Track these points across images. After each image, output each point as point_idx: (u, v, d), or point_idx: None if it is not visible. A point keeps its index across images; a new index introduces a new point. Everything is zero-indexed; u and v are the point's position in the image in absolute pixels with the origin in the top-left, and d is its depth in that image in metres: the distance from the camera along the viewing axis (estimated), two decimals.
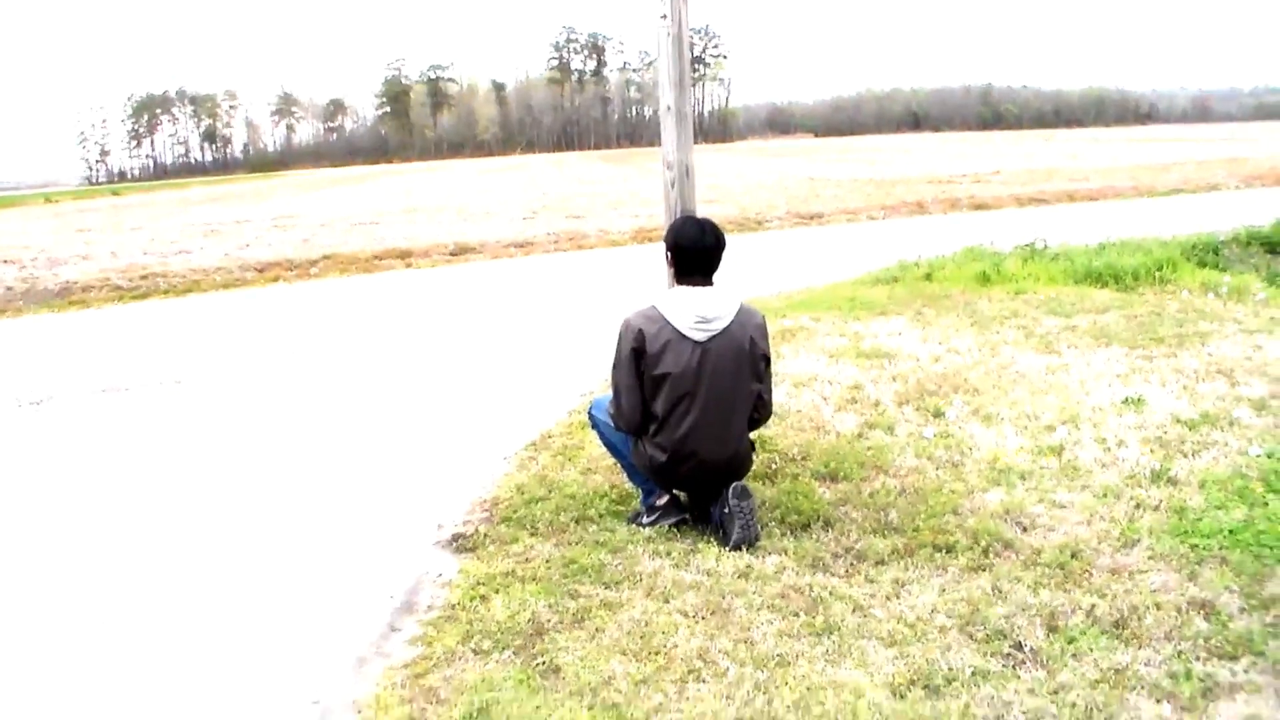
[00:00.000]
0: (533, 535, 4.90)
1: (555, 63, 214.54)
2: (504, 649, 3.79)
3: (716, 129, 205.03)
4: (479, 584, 4.37)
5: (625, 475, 5.26)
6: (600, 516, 5.09)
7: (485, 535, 4.96)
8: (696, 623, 3.90)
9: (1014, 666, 3.50)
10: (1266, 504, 4.68)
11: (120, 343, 12.02)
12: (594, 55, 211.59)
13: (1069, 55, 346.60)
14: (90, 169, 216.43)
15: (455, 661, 3.74)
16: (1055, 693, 3.31)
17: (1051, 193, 27.18)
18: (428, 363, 9.73)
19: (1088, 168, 38.04)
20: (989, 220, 19.30)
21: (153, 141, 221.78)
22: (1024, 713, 3.21)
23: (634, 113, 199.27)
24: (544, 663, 3.67)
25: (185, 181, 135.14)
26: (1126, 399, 6.57)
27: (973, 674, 3.43)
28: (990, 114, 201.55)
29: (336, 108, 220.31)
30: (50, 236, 30.66)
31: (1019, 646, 3.61)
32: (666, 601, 4.09)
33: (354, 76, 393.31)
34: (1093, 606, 3.86)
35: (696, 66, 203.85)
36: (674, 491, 4.97)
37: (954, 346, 8.39)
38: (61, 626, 4.34)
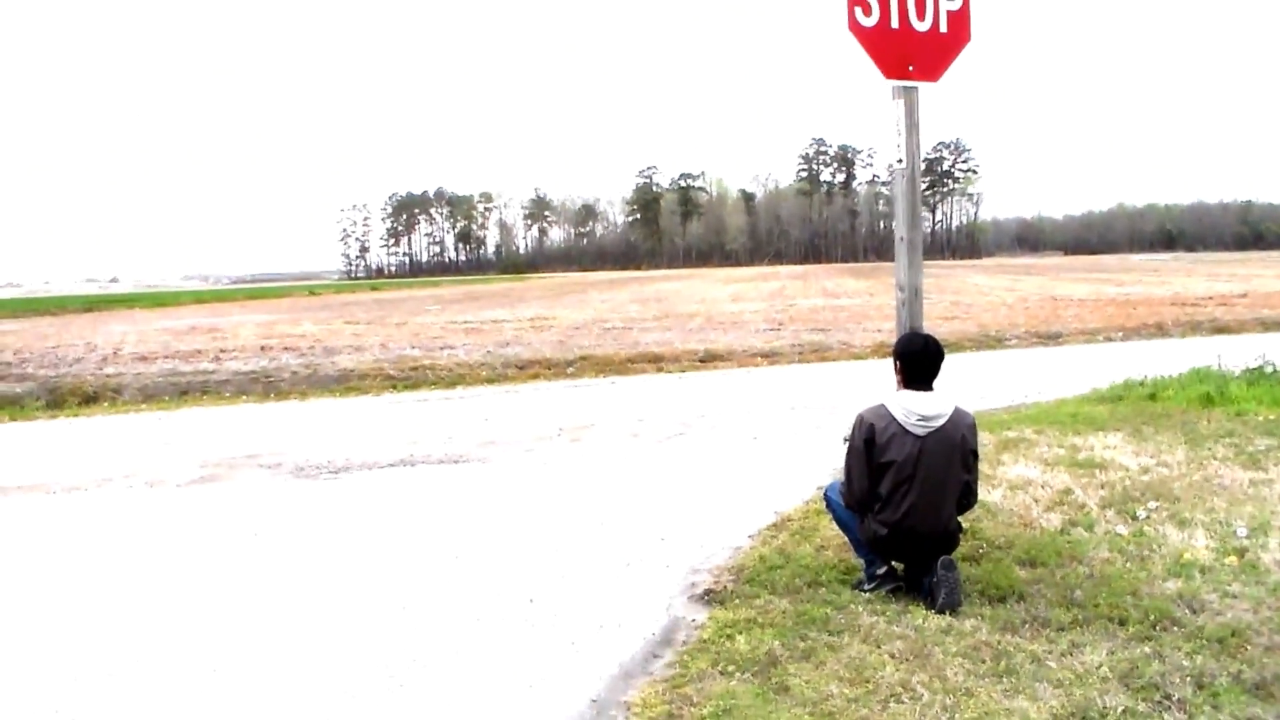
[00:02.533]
0: (771, 594, 5.94)
1: (804, 174, 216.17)
2: (744, 672, 4.82)
3: (964, 245, 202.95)
4: (726, 627, 5.43)
5: (852, 549, 6.24)
6: (829, 582, 6.09)
7: (732, 592, 6.04)
8: (902, 663, 4.84)
9: (1159, 710, 4.31)
10: None
11: (396, 425, 13.48)
12: (843, 168, 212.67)
13: None
14: (350, 264, 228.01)
15: (705, 679, 4.79)
16: None
17: None
18: (681, 452, 10.84)
19: None
20: (1227, 343, 19.41)
21: (409, 240, 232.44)
22: None
23: (881, 226, 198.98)
24: (777, 683, 4.68)
25: (438, 280, 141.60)
26: None
27: (1123, 712, 4.28)
28: (1249, 233, 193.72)
29: (588, 213, 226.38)
30: (320, 328, 33.18)
31: (1168, 696, 4.42)
32: (879, 646, 5.05)
33: (605, 181, 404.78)
34: (1240, 672, 4.62)
35: (945, 181, 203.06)
36: (892, 563, 5.92)
37: (1164, 460, 9.02)
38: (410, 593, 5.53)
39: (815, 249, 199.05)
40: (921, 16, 6.41)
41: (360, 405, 16.16)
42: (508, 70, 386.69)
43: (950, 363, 12.73)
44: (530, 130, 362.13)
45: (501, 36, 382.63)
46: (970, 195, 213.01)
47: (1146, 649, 4.92)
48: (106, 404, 17.21)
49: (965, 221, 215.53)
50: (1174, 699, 4.39)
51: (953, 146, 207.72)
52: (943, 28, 6.49)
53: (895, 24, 6.31)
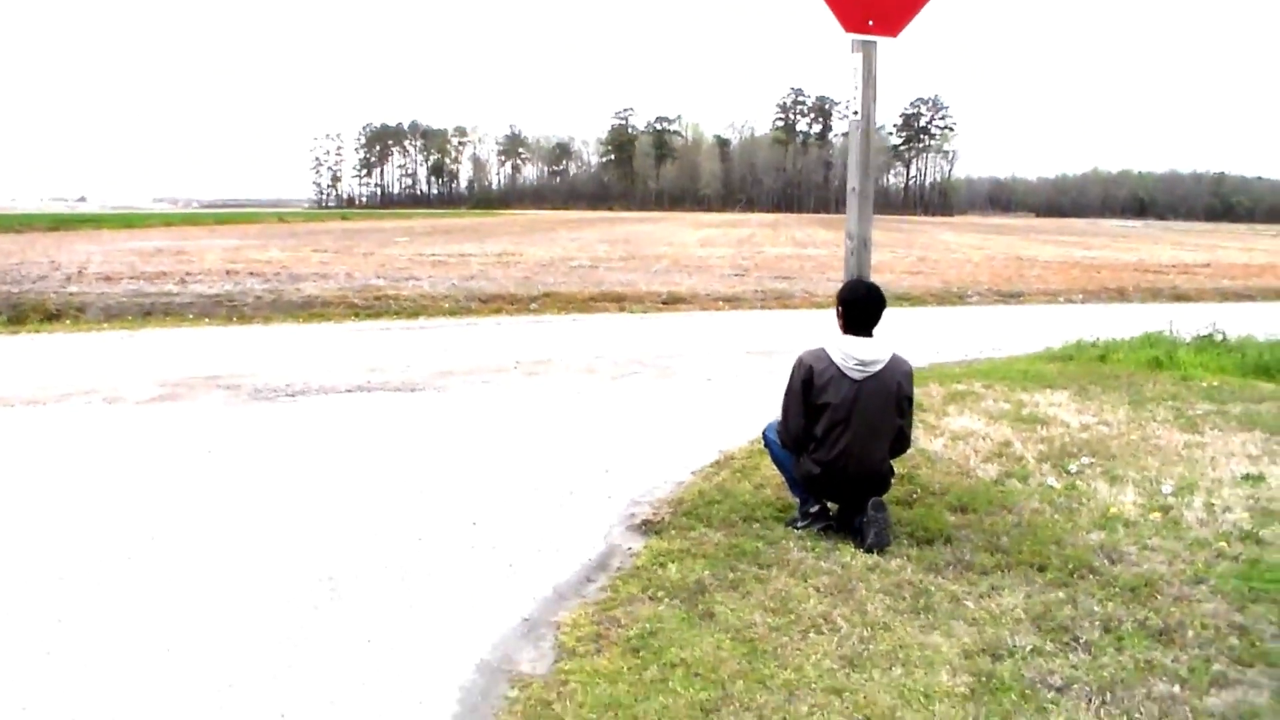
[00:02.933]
0: (707, 526, 6.11)
1: (781, 123, 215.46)
2: (673, 598, 4.99)
3: (937, 201, 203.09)
4: (659, 555, 5.60)
5: (787, 487, 6.39)
6: (764, 519, 6.26)
7: (669, 523, 6.21)
8: (825, 596, 5.02)
9: (1065, 650, 4.49)
10: None
11: (356, 353, 13.55)
12: (820, 119, 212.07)
13: None
14: (321, 193, 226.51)
15: (634, 603, 4.96)
16: (1091, 669, 4.29)
17: (1259, 289, 27.22)
18: (634, 389, 10.98)
19: None
20: (1185, 311, 19.65)
21: (382, 171, 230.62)
22: (1061, 678, 4.21)
23: None
24: (703, 610, 4.84)
25: (410, 212, 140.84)
26: (1247, 475, 7.35)
27: (1031, 650, 4.46)
28: (1220, 205, 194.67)
29: (562, 152, 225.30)
30: (287, 254, 33.08)
31: (1076, 639, 4.60)
32: (805, 580, 5.22)
33: (581, 121, 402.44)
34: (1146, 618, 4.81)
35: (921, 137, 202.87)
36: (825, 502, 6.08)
37: (1105, 419, 9.22)
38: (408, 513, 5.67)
39: (788, 198, 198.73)
40: None
41: (322, 332, 16.21)
42: (488, 2, 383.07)
43: (911, 317, 12.86)
44: (507, 66, 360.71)
45: None
46: (945, 152, 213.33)
47: (1061, 594, 5.10)
48: (69, 322, 17.16)
49: (939, 178, 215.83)
50: (1081, 641, 4.57)
51: (930, 103, 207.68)
52: None
53: None
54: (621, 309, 20.21)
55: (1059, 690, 4.12)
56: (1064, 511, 6.47)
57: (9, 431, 8.85)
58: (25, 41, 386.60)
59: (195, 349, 13.94)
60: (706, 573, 5.30)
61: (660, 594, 5.05)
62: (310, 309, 19.07)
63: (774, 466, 6.67)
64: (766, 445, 6.48)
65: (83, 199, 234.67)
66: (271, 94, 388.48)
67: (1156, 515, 6.42)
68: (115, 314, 17.99)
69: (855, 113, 6.65)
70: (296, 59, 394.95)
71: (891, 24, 6.60)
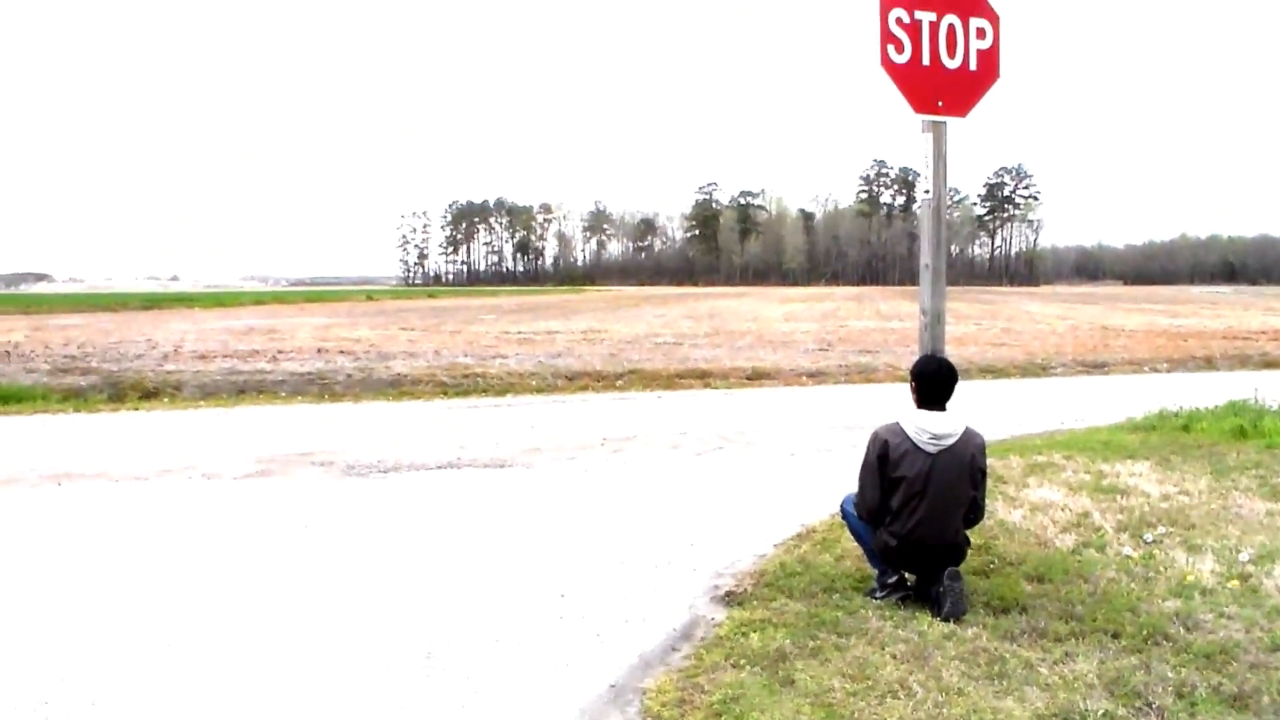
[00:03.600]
0: (788, 597, 6.30)
1: (864, 195, 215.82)
2: (754, 665, 5.19)
3: (1022, 271, 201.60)
4: (742, 625, 5.81)
5: (866, 559, 6.56)
6: (843, 590, 6.45)
7: (751, 594, 6.43)
8: (902, 663, 5.18)
9: (1138, 714, 4.62)
10: None
11: (446, 430, 13.89)
12: (903, 190, 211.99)
13: None
14: (408, 270, 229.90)
15: (717, 670, 5.17)
16: None
17: None
18: (718, 465, 11.20)
19: None
20: (1274, 378, 19.52)
21: (469, 249, 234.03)
22: None
23: None
24: (783, 676, 5.04)
25: (496, 289, 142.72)
26: None
27: (1103, 714, 4.59)
28: None
29: (647, 227, 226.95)
30: (376, 333, 33.80)
31: (1149, 704, 4.72)
32: (882, 648, 5.39)
33: (665, 196, 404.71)
34: (1221, 684, 4.92)
35: (1006, 207, 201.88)
36: (902, 573, 6.26)
37: (1186, 489, 9.27)
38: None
39: (873, 271, 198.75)
40: (952, 55, 6.74)
41: (412, 409, 16.60)
42: (573, 81, 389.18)
43: (994, 389, 12.95)
44: (591, 143, 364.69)
45: (569, 47, 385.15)
46: (1030, 221, 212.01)
47: (1135, 660, 5.22)
48: (166, 399, 17.77)
49: (1024, 248, 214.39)
50: (1154, 706, 4.70)
51: (1014, 172, 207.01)
52: (972, 65, 6.82)
53: (926, 61, 6.64)
54: (706, 385, 20.44)
55: None
56: (1140, 580, 6.57)
57: (115, 506, 9.25)
58: (123, 123, 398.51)
59: (288, 426, 14.38)
60: (787, 641, 5.50)
61: (742, 661, 5.25)
62: (399, 387, 19.54)
63: (853, 539, 6.85)
64: (844, 518, 6.68)
65: (175, 278, 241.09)
66: (360, 173, 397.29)
67: (1235, 583, 6.49)
68: (210, 392, 18.60)
69: (926, 192, 6.90)
70: (385, 138, 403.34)
71: (960, 105, 6.86)
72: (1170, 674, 5.04)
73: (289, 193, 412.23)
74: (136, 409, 16.50)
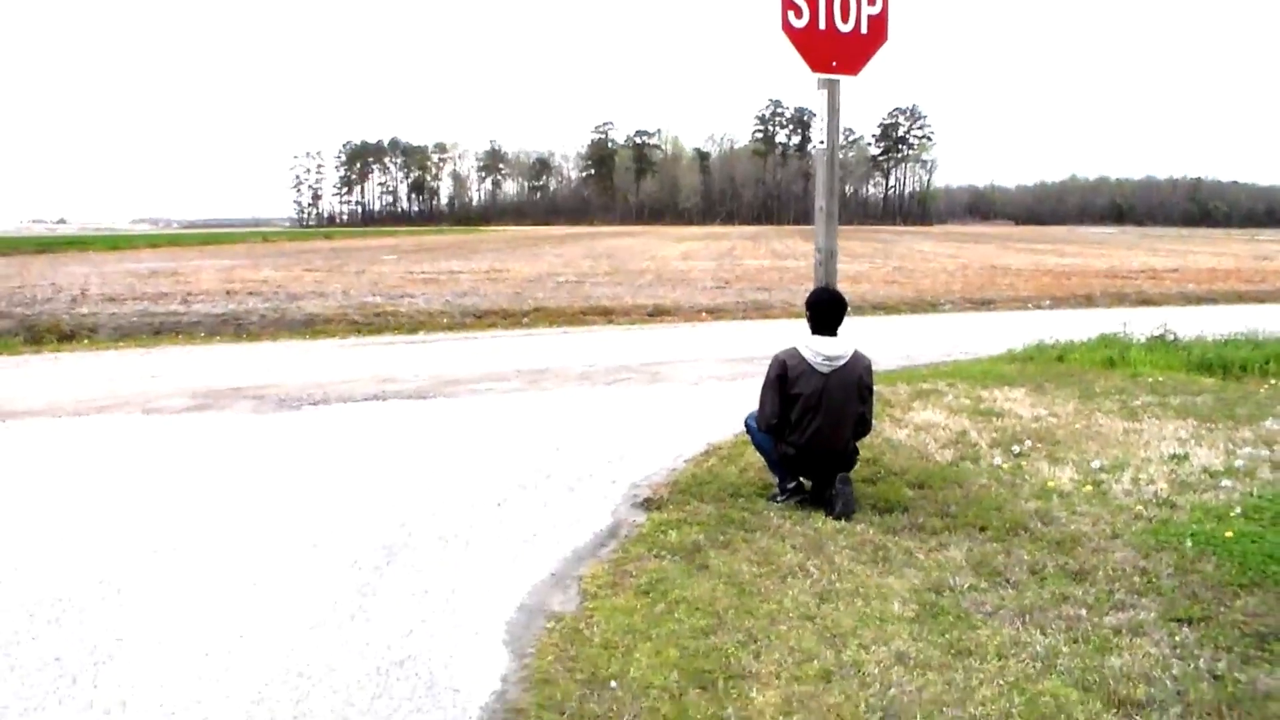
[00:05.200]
0: (700, 501, 7.16)
1: (760, 135, 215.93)
2: (674, 555, 6.02)
3: (916, 211, 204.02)
4: (660, 525, 6.65)
5: (768, 468, 7.41)
6: (748, 495, 7.31)
7: (667, 500, 7.28)
8: (800, 552, 6.05)
9: (996, 587, 5.51)
10: (1233, 522, 6.49)
11: (365, 366, 14.51)
12: (799, 130, 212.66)
13: None
14: (302, 211, 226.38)
15: (642, 560, 5.99)
16: (1015, 600, 5.30)
17: (1221, 293, 28.33)
18: (627, 393, 11.98)
19: (1271, 269, 38.75)
20: (1148, 315, 20.68)
21: (363, 189, 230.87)
22: (990, 606, 5.22)
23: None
24: (699, 563, 5.87)
25: (392, 229, 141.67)
26: (1174, 455, 8.37)
27: (968, 587, 5.48)
28: (1197, 210, 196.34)
29: (542, 167, 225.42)
30: (280, 274, 34.05)
31: (1006, 579, 5.62)
32: (783, 540, 6.26)
33: (561, 136, 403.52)
34: (1066, 563, 5.84)
35: (900, 147, 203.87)
36: (800, 479, 7.13)
37: (1055, 411, 10.24)
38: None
39: (768, 210, 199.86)
40: (845, 19, 7.51)
41: (329, 347, 17.14)
42: (468, 18, 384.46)
43: (886, 325, 13.93)
44: (486, 82, 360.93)
45: None
46: (924, 162, 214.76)
47: (998, 547, 6.13)
48: (86, 341, 18.08)
49: (918, 188, 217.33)
50: (1011, 580, 5.59)
51: (908, 112, 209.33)
52: (863, 29, 7.60)
53: (822, 25, 7.41)
54: (609, 321, 21.22)
55: (988, 614, 5.13)
56: (1007, 486, 7.49)
57: (63, 441, 9.76)
58: None
59: (212, 364, 14.88)
60: (701, 536, 6.34)
61: (663, 553, 6.08)
62: (313, 326, 20.04)
63: (755, 453, 7.71)
64: (748, 432, 7.51)
65: (62, 220, 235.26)
66: (249, 111, 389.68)
67: (1088, 488, 7.43)
68: (127, 333, 18.94)
69: (822, 143, 7.72)
70: (274, 76, 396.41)
71: (852, 64, 7.66)
72: (1026, 557, 5.94)
73: (176, 131, 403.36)
74: (57, 351, 16.82)
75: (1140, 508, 6.91)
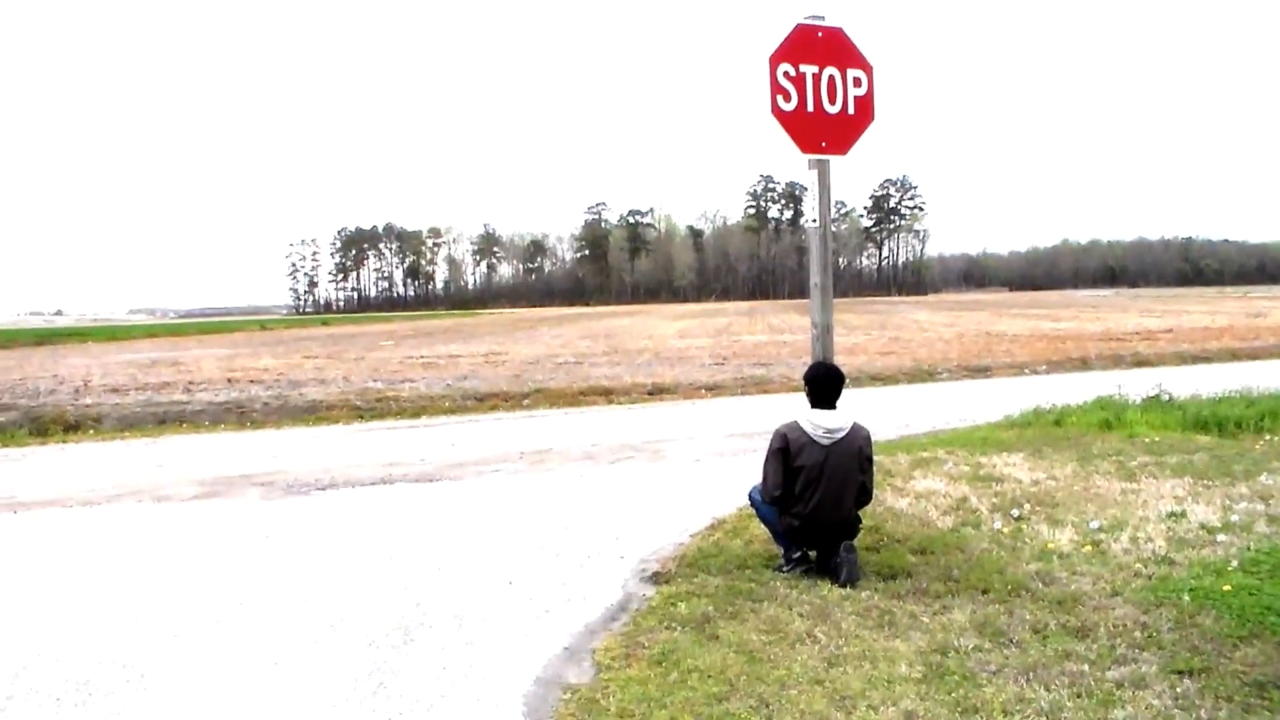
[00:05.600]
0: (707, 574, 7.31)
1: (752, 211, 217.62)
2: (685, 627, 6.17)
3: (910, 281, 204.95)
4: (670, 598, 6.80)
5: (773, 540, 7.57)
6: (754, 567, 7.46)
7: (675, 574, 7.43)
8: (807, 619, 6.20)
9: (1000, 646, 5.66)
10: (1231, 576, 6.64)
11: (370, 451, 14.66)
12: (791, 204, 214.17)
13: (1277, 207, 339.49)
14: (299, 298, 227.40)
15: (653, 632, 6.14)
16: (1019, 658, 5.45)
17: (1215, 351, 28.57)
18: (631, 471, 12.15)
19: (1264, 326, 39.04)
20: (1143, 376, 20.88)
21: (359, 275, 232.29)
22: (995, 665, 5.36)
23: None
24: (709, 633, 6.02)
25: (389, 315, 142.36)
26: (1171, 513, 8.53)
27: (973, 648, 5.62)
28: (1190, 269, 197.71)
29: (537, 249, 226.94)
30: (280, 362, 34.28)
31: (1009, 638, 5.76)
32: (790, 608, 6.41)
33: (554, 218, 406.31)
34: (1068, 622, 5.98)
35: (892, 218, 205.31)
36: (805, 549, 7.29)
37: (1054, 474, 10.40)
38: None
39: (763, 285, 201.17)
40: (833, 101, 7.78)
41: (332, 433, 17.32)
42: (457, 107, 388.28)
43: (883, 395, 14.13)
44: (479, 166, 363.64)
45: (450, 74, 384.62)
46: (916, 232, 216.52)
47: (1000, 609, 6.27)
48: (91, 432, 18.27)
49: (911, 258, 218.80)
50: (1014, 640, 5.73)
51: (899, 183, 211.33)
52: (850, 110, 7.87)
53: (811, 108, 7.67)
54: (610, 401, 21.38)
55: (993, 673, 5.27)
56: (1008, 549, 7.64)
57: (76, 529, 9.90)
58: None
59: (218, 452, 15.05)
60: (710, 607, 6.48)
61: (674, 624, 6.22)
62: (315, 412, 20.20)
63: (760, 526, 7.90)
64: (753, 505, 7.69)
65: (59, 312, 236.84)
66: (244, 201, 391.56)
67: (1088, 548, 7.58)
68: (131, 423, 19.11)
69: (814, 220, 7.93)
70: (268, 165, 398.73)
71: (841, 144, 7.92)
72: (1028, 617, 6.09)
73: (171, 221, 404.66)
74: (64, 442, 17.02)
75: (1139, 565, 7.06)
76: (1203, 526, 8.07)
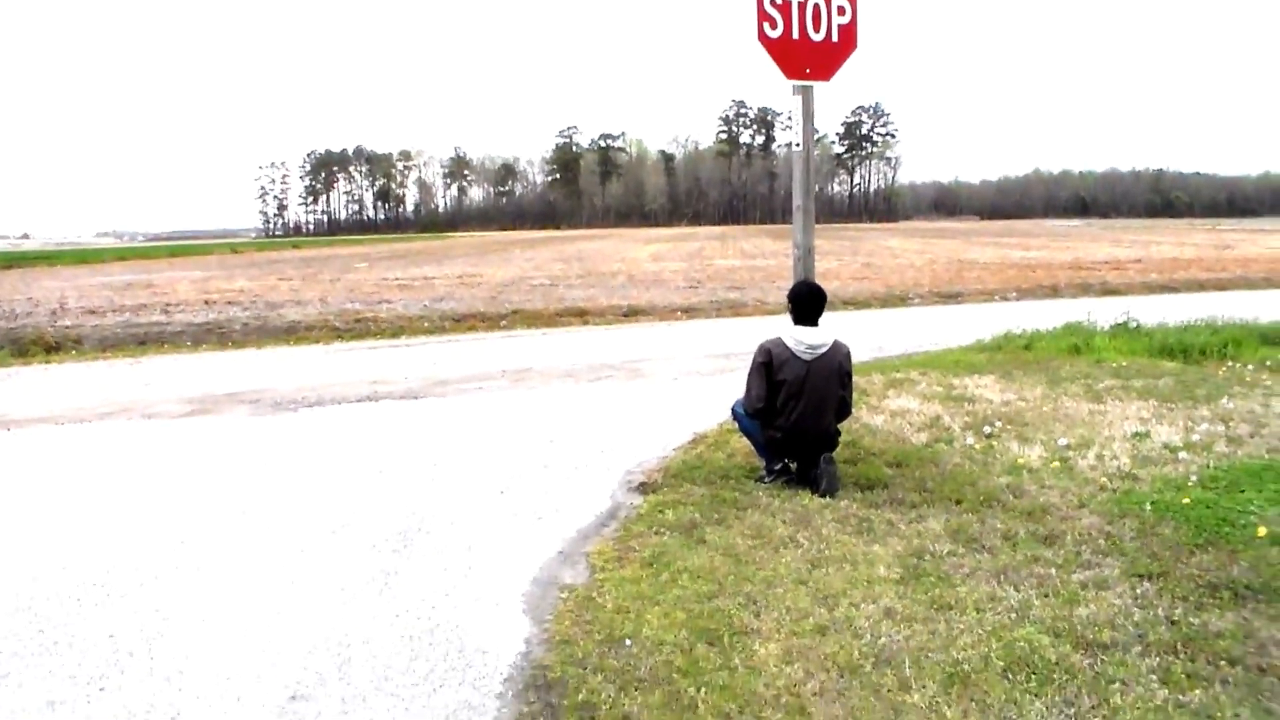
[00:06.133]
0: (692, 484, 7.62)
1: (724, 136, 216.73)
2: (673, 531, 6.47)
3: (881, 208, 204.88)
4: (657, 505, 7.10)
5: (755, 452, 7.87)
6: (737, 478, 7.77)
7: (661, 484, 7.74)
8: (790, 525, 6.50)
9: (973, 552, 5.97)
10: (1191, 491, 6.97)
11: (353, 370, 14.89)
12: (763, 130, 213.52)
13: (1247, 141, 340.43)
14: (268, 221, 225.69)
15: (643, 536, 6.44)
16: (991, 562, 5.76)
17: (1182, 282, 28.95)
18: (611, 389, 12.42)
19: (1230, 258, 39.50)
20: (1112, 304, 21.26)
21: (329, 198, 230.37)
22: (968, 568, 5.68)
23: None
24: (697, 538, 6.32)
25: (359, 238, 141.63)
26: (1136, 433, 8.87)
27: (947, 552, 5.94)
28: (1160, 201, 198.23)
29: (507, 172, 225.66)
30: (255, 284, 34.34)
31: (982, 544, 6.08)
32: (773, 516, 6.71)
33: (525, 141, 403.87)
34: (1037, 530, 6.30)
35: (864, 145, 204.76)
36: (786, 460, 7.59)
37: (1024, 396, 10.73)
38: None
39: (734, 210, 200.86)
40: (817, 29, 7.96)
41: (314, 352, 17.49)
42: (429, 27, 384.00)
43: (856, 319, 14.46)
44: (450, 89, 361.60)
45: None
46: (888, 159, 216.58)
47: (973, 518, 6.59)
48: (73, 353, 18.35)
49: (883, 185, 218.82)
50: (985, 545, 6.06)
51: (872, 110, 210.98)
52: (834, 38, 8.05)
53: (796, 35, 7.86)
54: (585, 322, 21.64)
55: (966, 575, 5.59)
56: (980, 463, 7.96)
57: (70, 446, 10.09)
58: None
59: (202, 371, 15.22)
60: (697, 514, 6.80)
61: (662, 530, 6.53)
62: (295, 333, 20.38)
63: (741, 440, 8.20)
64: (735, 418, 7.95)
65: (26, 236, 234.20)
66: (212, 122, 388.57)
67: (1055, 464, 7.90)
68: (112, 344, 19.22)
69: (798, 145, 8.15)
70: (236, 87, 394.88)
71: (825, 71, 8.11)
72: (999, 525, 6.41)
73: (138, 143, 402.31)
74: (47, 362, 17.11)
75: (1105, 480, 7.39)
76: (1165, 446, 8.39)
